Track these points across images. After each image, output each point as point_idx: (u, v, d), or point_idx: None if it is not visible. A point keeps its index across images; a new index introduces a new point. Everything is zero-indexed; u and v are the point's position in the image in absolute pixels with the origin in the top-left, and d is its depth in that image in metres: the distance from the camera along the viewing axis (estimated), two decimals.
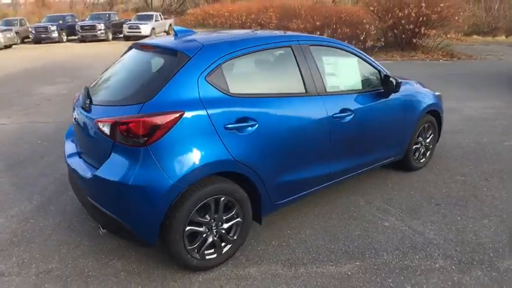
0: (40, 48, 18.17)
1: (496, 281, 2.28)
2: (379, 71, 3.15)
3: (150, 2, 40.79)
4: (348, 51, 3.02)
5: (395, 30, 12.76)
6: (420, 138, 3.73)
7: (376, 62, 3.21)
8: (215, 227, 2.32)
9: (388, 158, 3.42)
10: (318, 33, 12.94)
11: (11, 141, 4.88)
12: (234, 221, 2.40)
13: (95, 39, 19.69)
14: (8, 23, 20.73)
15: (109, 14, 22.75)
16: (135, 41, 3.71)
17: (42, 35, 19.74)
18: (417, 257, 2.50)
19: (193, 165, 2.09)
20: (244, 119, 2.25)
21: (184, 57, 2.22)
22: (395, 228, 2.83)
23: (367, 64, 3.10)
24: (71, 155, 2.60)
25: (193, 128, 2.10)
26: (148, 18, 21.50)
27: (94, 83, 2.70)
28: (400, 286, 2.24)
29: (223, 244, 2.39)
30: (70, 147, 2.74)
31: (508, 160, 4.04)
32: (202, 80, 2.18)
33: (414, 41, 12.50)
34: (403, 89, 3.32)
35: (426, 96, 3.66)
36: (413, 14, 11.87)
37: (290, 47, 2.61)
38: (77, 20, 22.69)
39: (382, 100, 3.11)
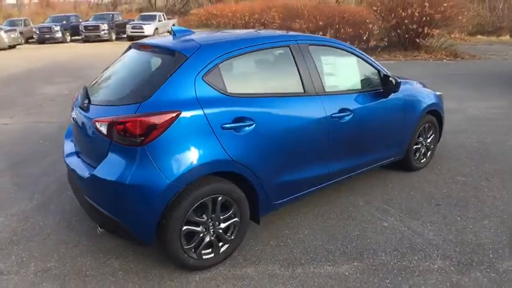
0: (44, 48, 18.29)
1: (495, 282, 2.26)
2: (379, 71, 3.14)
3: (153, 3, 40.95)
4: (347, 51, 3.01)
5: (398, 30, 12.70)
6: (421, 139, 3.71)
7: (375, 61, 3.20)
8: (212, 227, 2.32)
9: (388, 158, 3.40)
10: (321, 33, 12.92)
11: (14, 140, 4.92)
12: (232, 220, 2.39)
13: (99, 40, 19.80)
14: (13, 24, 20.90)
15: (112, 15, 22.86)
16: None
17: (46, 35, 19.88)
18: (416, 257, 2.48)
19: (190, 165, 2.09)
20: (241, 119, 2.25)
21: (181, 57, 2.22)
22: (394, 228, 2.81)
23: (366, 64, 3.09)
24: (69, 155, 2.61)
25: (190, 128, 2.10)
26: (152, 18, 21.58)
27: (93, 83, 2.71)
28: (397, 287, 2.23)
29: (220, 244, 2.39)
30: (69, 146, 2.75)
31: (510, 160, 4.01)
32: (199, 80, 2.18)
33: (417, 40, 12.44)
34: (403, 88, 3.30)
35: (427, 96, 3.64)
36: (417, 14, 11.80)
37: (288, 46, 2.60)
38: (80, 20, 22.83)
39: (381, 100, 3.10)
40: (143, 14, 24.00)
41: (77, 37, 21.11)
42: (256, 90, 2.44)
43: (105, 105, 2.30)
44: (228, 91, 2.27)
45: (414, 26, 12.10)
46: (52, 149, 4.51)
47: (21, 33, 19.76)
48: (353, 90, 2.99)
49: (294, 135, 2.52)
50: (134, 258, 2.52)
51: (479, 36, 17.66)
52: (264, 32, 2.98)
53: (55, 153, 4.34)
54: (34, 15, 29.27)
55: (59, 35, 19.91)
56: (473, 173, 3.73)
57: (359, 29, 13.05)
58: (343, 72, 3.06)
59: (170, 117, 2.03)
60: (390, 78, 3.04)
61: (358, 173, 3.18)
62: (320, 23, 13.69)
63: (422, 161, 3.82)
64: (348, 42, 11.57)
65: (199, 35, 2.64)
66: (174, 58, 2.25)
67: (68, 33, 20.81)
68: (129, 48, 2.85)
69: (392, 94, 3.15)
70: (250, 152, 2.30)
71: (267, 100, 2.41)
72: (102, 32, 19.84)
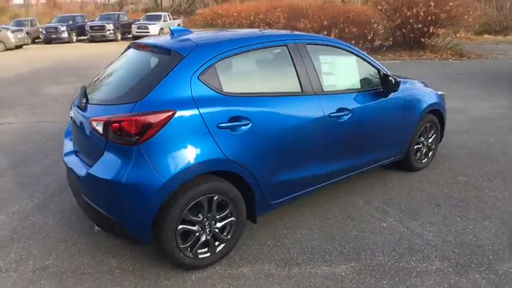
0: (50, 48, 18.46)
1: (494, 284, 2.23)
2: (379, 70, 3.11)
3: (159, 3, 41.11)
4: (346, 50, 2.99)
5: (403, 30, 12.61)
6: (422, 138, 3.68)
7: (375, 61, 3.17)
8: (208, 226, 2.32)
9: (388, 158, 3.37)
10: (325, 32, 12.87)
11: (17, 140, 4.96)
12: (228, 220, 2.39)
13: (104, 40, 19.94)
14: (19, 24, 21.13)
15: (118, 15, 23.00)
16: None
17: (53, 36, 20.08)
18: (414, 258, 2.46)
19: (185, 164, 2.09)
20: (237, 118, 2.25)
21: (177, 56, 2.23)
22: (393, 229, 2.79)
23: (366, 63, 3.07)
24: (68, 154, 2.63)
25: (185, 127, 2.10)
26: (157, 18, 21.68)
27: (91, 83, 2.72)
28: None
29: (216, 243, 2.39)
30: (68, 145, 2.77)
31: None
32: (195, 79, 2.18)
33: (423, 40, 12.35)
34: (403, 88, 3.28)
35: (428, 96, 3.61)
36: (422, 13, 11.71)
37: (286, 46, 2.59)
38: (86, 20, 23.02)
39: (381, 99, 3.07)
40: (148, 14, 24.13)
41: (83, 37, 21.29)
42: (253, 90, 2.43)
43: (102, 104, 2.31)
44: (224, 90, 2.26)
45: (419, 26, 12.01)
46: (54, 148, 4.54)
47: (27, 33, 19.96)
48: (352, 89, 2.97)
49: (291, 134, 2.51)
50: (131, 257, 2.53)
51: (486, 36, 17.48)
52: (261, 32, 2.97)
53: (57, 153, 4.37)
54: (41, 15, 29.58)
55: (65, 35, 20.10)
56: (475, 173, 3.69)
57: (364, 28, 12.98)
58: (341, 71, 3.05)
59: (165, 116, 2.04)
60: (390, 78, 3.01)
61: (358, 173, 3.16)
62: (325, 22, 13.63)
63: (423, 161, 3.78)
64: (353, 42, 11.48)
65: (197, 35, 2.64)
66: (170, 57, 2.25)
67: (74, 33, 21.00)
68: (128, 47, 2.86)
69: (392, 93, 3.12)
70: (247, 152, 2.30)
71: (263, 99, 2.40)
72: (108, 32, 19.98)
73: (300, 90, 2.58)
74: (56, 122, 5.70)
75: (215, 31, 3.22)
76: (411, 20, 12.00)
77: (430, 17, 11.71)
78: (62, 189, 3.53)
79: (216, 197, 2.27)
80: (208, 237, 2.34)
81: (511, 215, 2.94)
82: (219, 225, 2.36)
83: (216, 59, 2.27)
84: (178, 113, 2.08)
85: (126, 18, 23.20)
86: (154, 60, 2.41)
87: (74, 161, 2.48)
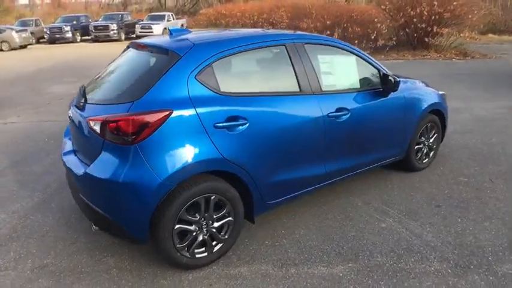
0: (54, 48, 18.56)
1: (493, 285, 2.21)
2: (379, 70, 3.09)
3: (163, 3, 41.16)
4: (346, 50, 2.98)
5: (407, 29, 12.55)
6: (423, 138, 3.65)
7: (375, 60, 3.16)
8: (205, 226, 2.32)
9: (388, 158, 3.35)
10: (328, 32, 12.82)
11: (19, 139, 5.00)
12: (225, 220, 2.39)
13: (108, 39, 20.01)
14: (24, 24, 21.29)
15: (122, 15, 23.09)
16: None
17: (57, 35, 20.20)
18: (412, 259, 2.44)
19: (182, 164, 2.09)
20: (234, 118, 2.24)
21: (174, 56, 2.23)
22: (392, 229, 2.77)
23: (365, 63, 3.05)
24: (66, 153, 2.64)
25: (181, 127, 2.10)
26: (161, 18, 21.74)
27: (90, 82, 2.73)
28: None
29: (214, 243, 2.39)
30: (67, 145, 2.77)
31: None
32: (192, 79, 2.18)
33: (426, 40, 12.26)
34: (403, 87, 3.26)
35: (429, 96, 3.58)
36: (426, 13, 11.63)
37: (284, 45, 2.58)
38: (90, 20, 23.11)
39: (381, 99, 3.05)
40: (152, 14, 24.21)
41: (87, 37, 21.38)
42: (251, 89, 2.43)
43: (100, 104, 2.32)
44: (222, 90, 2.26)
45: (423, 25, 11.93)
46: (56, 148, 4.56)
47: (32, 33, 20.09)
48: (351, 89, 2.95)
49: (289, 134, 2.50)
50: (129, 256, 2.53)
51: (490, 35, 17.33)
52: (260, 31, 2.96)
53: (58, 152, 4.32)
54: (46, 15, 29.75)
55: (69, 35, 20.21)
56: (476, 174, 3.66)
57: (367, 28, 12.90)
58: (341, 71, 3.03)
59: (161, 116, 2.04)
60: (389, 77, 3.00)
61: (357, 173, 3.15)
62: (328, 22, 13.58)
63: (424, 161, 3.76)
64: (356, 42, 11.39)
65: (195, 35, 2.64)
66: (167, 57, 2.25)
67: (78, 33, 21.10)
68: (128, 47, 2.86)
69: (392, 93, 3.10)
70: (244, 151, 2.29)
71: (261, 99, 2.40)
72: (112, 32, 20.06)
73: (298, 90, 2.57)
74: (58, 122, 5.73)
75: (214, 31, 3.22)
76: (415, 20, 11.93)
77: (433, 17, 11.64)
78: (63, 188, 3.54)
79: (213, 197, 2.27)
80: (206, 237, 2.34)
81: None
82: (216, 225, 2.36)
83: (214, 59, 2.27)
84: (175, 113, 2.08)
85: (129, 18, 23.28)
86: (152, 60, 2.41)
87: (72, 161, 2.49)
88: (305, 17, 15.74)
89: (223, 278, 2.31)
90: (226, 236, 2.42)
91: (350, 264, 2.40)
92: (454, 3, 11.40)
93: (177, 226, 2.20)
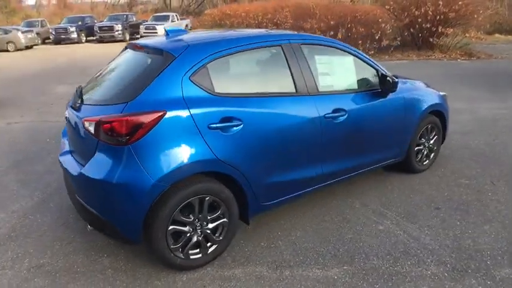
0: (59, 48, 18.70)
1: None
2: (377, 70, 3.07)
3: (168, 3, 41.29)
4: (343, 50, 2.95)
5: (411, 29, 12.45)
6: (423, 140, 3.62)
7: (373, 61, 3.13)
8: (200, 227, 2.31)
9: (387, 159, 3.32)
10: (332, 33, 12.77)
11: (22, 139, 5.03)
12: (220, 221, 2.38)
13: (113, 40, 20.12)
14: (30, 25, 21.49)
15: (126, 15, 23.20)
16: None
17: (62, 36, 20.36)
18: (409, 262, 2.42)
19: (175, 165, 2.09)
20: (228, 119, 2.24)
21: (169, 57, 2.23)
22: (389, 232, 2.75)
23: (363, 63, 3.03)
24: (63, 153, 2.65)
25: (175, 128, 2.10)
26: (165, 18, 21.82)
27: (87, 83, 2.74)
28: None
29: (208, 244, 2.38)
30: (64, 145, 2.79)
31: None
32: (186, 80, 2.18)
33: (431, 40, 12.18)
34: (403, 88, 3.23)
35: (429, 96, 3.55)
36: (431, 13, 11.54)
37: (280, 46, 2.57)
38: (95, 21, 23.27)
39: (379, 100, 3.03)
40: (156, 14, 24.31)
41: (92, 37, 21.52)
42: (246, 90, 2.42)
43: (95, 104, 2.32)
44: (216, 91, 2.25)
45: (428, 25, 11.84)
46: (57, 148, 4.52)
47: (38, 33, 20.27)
48: (349, 90, 2.93)
49: (284, 135, 2.48)
50: (124, 257, 2.54)
51: (497, 35, 17.16)
52: (255, 32, 2.95)
53: (59, 152, 4.41)
54: (52, 16, 30.02)
55: (74, 35, 20.36)
56: (478, 175, 3.62)
57: (371, 28, 12.82)
58: (338, 71, 3.01)
59: (155, 117, 2.04)
60: (388, 78, 2.97)
61: (355, 174, 3.12)
62: (331, 22, 13.52)
63: (425, 163, 3.72)
64: (360, 42, 11.32)
65: (191, 35, 2.64)
66: (162, 58, 2.25)
67: (83, 34, 21.25)
68: (125, 48, 2.87)
69: (392, 94, 3.07)
70: (238, 153, 2.28)
71: (256, 100, 2.38)
72: (116, 33, 20.16)
73: (294, 91, 2.56)
74: (60, 122, 5.73)
75: (212, 31, 3.21)
76: (419, 20, 11.84)
77: (438, 17, 11.54)
78: (62, 188, 3.54)
79: (207, 198, 2.26)
80: (200, 238, 2.33)
81: None
82: (210, 226, 2.35)
83: (208, 60, 2.26)
84: (169, 114, 2.07)
85: (134, 19, 23.40)
86: (148, 61, 2.41)
87: (68, 161, 2.50)
88: (309, 17, 15.70)
89: (217, 279, 2.31)
90: (220, 237, 2.41)
91: (345, 267, 2.38)
92: (460, 2, 11.30)
93: (170, 227, 2.19)
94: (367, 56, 3.12)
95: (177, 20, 22.86)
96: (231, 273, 2.36)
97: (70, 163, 2.47)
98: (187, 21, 24.08)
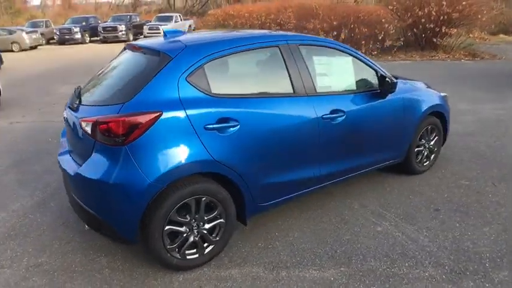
0: (63, 49, 18.83)
1: None
2: (376, 71, 3.05)
3: (172, 4, 41.43)
4: (342, 51, 2.94)
5: (415, 30, 12.41)
6: (423, 141, 3.60)
7: (372, 61, 3.12)
8: (196, 227, 2.31)
9: (386, 160, 3.31)
10: (335, 33, 12.75)
11: (23, 139, 5.07)
12: (217, 221, 2.38)
13: (117, 40, 20.22)
14: (34, 25, 21.64)
15: (130, 16, 23.32)
16: None
17: (66, 36, 20.50)
18: (406, 264, 2.40)
19: (171, 165, 2.09)
20: (225, 120, 2.24)
21: (166, 57, 2.23)
22: (387, 233, 2.73)
23: (362, 64, 3.01)
24: (62, 153, 2.66)
25: (171, 128, 2.10)
26: (168, 19, 21.90)
27: (86, 84, 2.75)
28: None
29: (205, 244, 2.38)
30: (63, 145, 2.80)
31: None
32: (182, 81, 2.18)
33: (435, 40, 12.12)
34: (402, 89, 3.22)
35: (429, 97, 3.53)
36: (434, 13, 11.50)
37: (278, 47, 2.57)
38: (99, 21, 23.39)
39: (378, 101, 3.01)
40: (160, 15, 24.39)
41: (96, 38, 21.63)
42: (243, 91, 2.42)
43: (93, 105, 2.33)
44: (213, 92, 2.25)
45: (431, 25, 11.79)
46: (58, 148, 4.60)
47: (42, 34, 20.42)
48: (347, 90, 2.92)
49: (281, 136, 2.48)
50: (122, 257, 2.54)
51: (501, 36, 17.05)
52: (255, 33, 2.94)
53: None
54: (57, 16, 30.23)
55: (78, 36, 20.49)
56: (478, 177, 3.59)
57: (374, 28, 12.79)
58: (337, 72, 3.00)
59: (151, 117, 2.04)
60: (386, 79, 2.96)
61: (354, 175, 3.11)
62: (334, 22, 13.50)
63: (425, 164, 3.70)
64: (363, 42, 11.27)
65: (188, 36, 2.64)
66: (159, 59, 2.26)
67: (87, 34, 21.38)
68: (124, 49, 2.88)
69: (391, 95, 3.06)
70: (235, 153, 2.28)
71: (253, 101, 2.38)
72: (120, 33, 20.27)
73: (292, 92, 2.55)
74: (62, 122, 5.77)
75: (211, 32, 3.21)
76: (423, 20, 11.80)
77: (442, 17, 11.50)
78: (62, 187, 3.54)
79: (204, 198, 2.27)
80: (197, 239, 2.33)
81: None
82: (207, 226, 2.35)
83: (205, 60, 2.26)
84: (165, 114, 2.08)
85: (138, 20, 23.50)
86: (145, 62, 2.41)
87: (66, 161, 2.51)
88: (312, 18, 15.68)
89: (213, 279, 2.31)
90: (217, 238, 2.41)
91: (342, 268, 2.38)
92: (463, 3, 11.24)
93: (167, 227, 2.19)
94: (366, 57, 3.11)
95: (181, 20, 22.93)
96: (228, 273, 2.36)
97: (68, 163, 2.48)
98: (190, 22, 24.16)
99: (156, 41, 2.65)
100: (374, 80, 3.05)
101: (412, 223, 2.86)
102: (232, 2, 34.60)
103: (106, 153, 2.10)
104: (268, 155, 2.45)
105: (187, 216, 2.26)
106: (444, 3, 11.29)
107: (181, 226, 2.26)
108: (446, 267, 2.37)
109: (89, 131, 2.14)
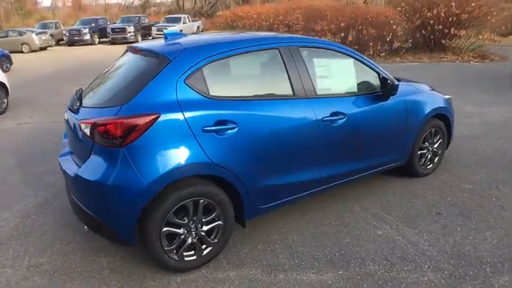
0: (73, 50, 19.07)
1: None
2: (378, 73, 3.03)
3: (181, 5, 41.68)
4: (343, 53, 2.93)
5: (423, 31, 12.28)
6: (426, 144, 3.56)
7: (374, 63, 3.10)
8: (194, 229, 2.32)
9: (388, 163, 3.28)
10: (343, 34, 12.69)
11: (29, 139, 5.14)
12: (215, 223, 2.39)
13: (125, 42, 20.38)
14: (44, 26, 21.97)
15: (139, 17, 23.53)
16: None
17: (75, 38, 20.77)
18: (405, 268, 2.38)
19: (168, 167, 2.10)
20: (223, 122, 2.24)
21: (164, 60, 2.25)
22: (387, 237, 2.71)
23: (364, 66, 3.00)
24: (63, 155, 2.69)
25: (169, 130, 2.12)
26: (176, 20, 22.04)
27: (87, 86, 2.78)
28: None
29: (203, 246, 2.39)
30: (65, 147, 2.83)
31: None
32: (181, 83, 2.19)
33: (443, 42, 11.98)
34: (405, 91, 3.19)
35: (433, 100, 3.49)
36: (443, 14, 11.37)
37: (277, 49, 2.56)
38: (108, 23, 23.63)
39: (380, 103, 2.99)
40: (168, 16, 24.57)
41: (105, 39, 21.86)
42: (241, 93, 2.42)
43: (92, 107, 2.36)
44: (211, 94, 2.26)
45: (440, 27, 11.66)
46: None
47: (52, 35, 20.71)
48: (348, 93, 2.91)
49: (280, 138, 2.47)
50: (122, 257, 2.56)
51: None
52: (254, 35, 2.94)
53: None
54: (67, 17, 30.65)
55: (87, 37, 20.75)
56: (482, 180, 3.54)
57: (382, 30, 12.70)
58: (337, 74, 2.98)
59: (149, 119, 2.06)
60: (388, 81, 2.93)
61: (355, 178, 3.09)
62: (342, 24, 13.44)
63: (428, 167, 3.66)
64: (371, 44, 11.19)
65: (188, 38, 2.65)
66: (158, 61, 2.27)
67: (96, 36, 21.64)
68: (126, 51, 2.90)
69: (393, 97, 3.04)
70: (233, 156, 2.28)
71: (251, 103, 2.38)
72: (129, 34, 20.46)
73: (292, 94, 2.55)
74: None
75: (211, 34, 3.22)
76: (431, 21, 11.68)
77: (451, 18, 11.36)
78: (65, 188, 3.62)
79: (202, 201, 2.27)
80: (195, 240, 2.34)
81: None
82: (205, 228, 2.35)
83: (204, 63, 2.27)
84: (163, 117, 2.09)
85: (146, 21, 23.71)
86: (144, 64, 2.43)
87: (67, 162, 2.54)
88: (320, 19, 15.64)
89: (210, 281, 2.31)
90: (215, 240, 2.42)
91: (340, 272, 2.36)
92: (473, 4, 11.09)
93: (164, 229, 2.21)
94: (368, 59, 3.09)
95: (189, 21, 23.06)
96: (225, 275, 2.36)
97: (68, 164, 2.51)
98: (198, 23, 24.27)
99: (156, 43, 2.67)
100: (376, 82, 3.03)
101: (413, 227, 2.83)
102: (240, 3, 34.70)
103: (104, 155, 2.12)
104: (267, 157, 2.45)
105: (185, 218, 2.27)
106: (453, 4, 11.16)
107: (179, 228, 2.27)
108: (446, 272, 2.34)
109: (88, 133, 2.16)
